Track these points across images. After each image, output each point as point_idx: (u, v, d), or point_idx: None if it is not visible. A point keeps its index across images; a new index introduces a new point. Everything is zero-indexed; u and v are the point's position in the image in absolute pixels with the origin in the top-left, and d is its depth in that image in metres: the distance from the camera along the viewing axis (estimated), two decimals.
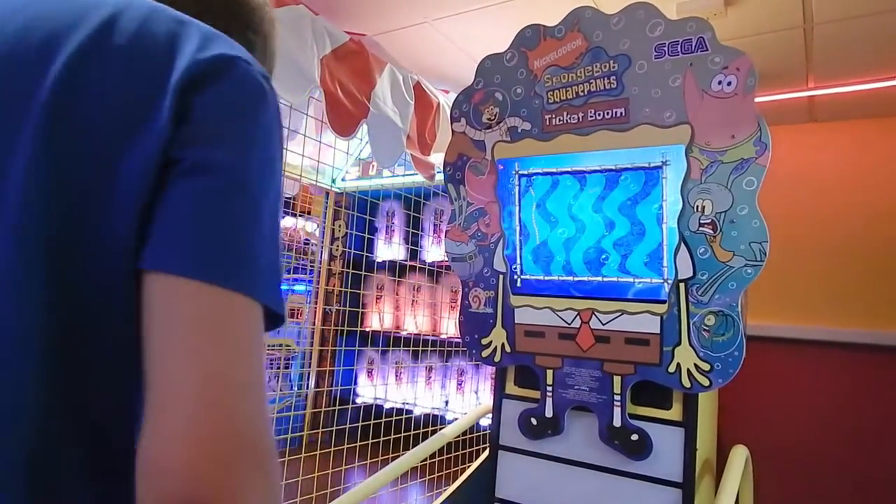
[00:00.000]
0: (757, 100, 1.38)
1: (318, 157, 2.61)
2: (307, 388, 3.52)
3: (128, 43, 0.45)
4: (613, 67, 1.52)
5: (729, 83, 1.38)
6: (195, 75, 0.45)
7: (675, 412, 1.48)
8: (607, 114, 1.54)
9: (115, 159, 0.42)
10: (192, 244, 0.41)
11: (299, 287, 3.98)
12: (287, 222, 4.23)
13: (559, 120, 1.61)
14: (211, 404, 0.38)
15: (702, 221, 1.41)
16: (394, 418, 2.64)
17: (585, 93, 1.57)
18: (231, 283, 0.41)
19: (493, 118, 1.70)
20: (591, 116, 1.56)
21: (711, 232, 1.40)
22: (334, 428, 2.43)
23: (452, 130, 1.79)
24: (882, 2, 1.82)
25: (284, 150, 0.52)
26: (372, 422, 2.46)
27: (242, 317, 0.42)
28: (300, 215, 4.16)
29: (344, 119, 1.84)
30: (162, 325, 0.40)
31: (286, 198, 3.74)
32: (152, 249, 0.41)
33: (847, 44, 2.09)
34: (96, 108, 0.43)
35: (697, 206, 1.42)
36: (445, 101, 2.31)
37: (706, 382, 1.39)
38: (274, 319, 0.47)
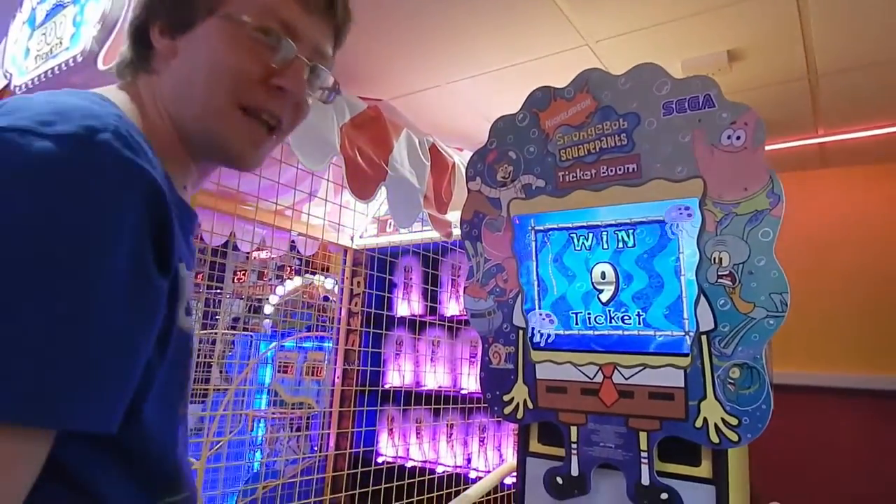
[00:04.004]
0: (768, 147, 1.41)
1: (339, 220, 2.67)
2: (327, 449, 3.48)
3: None
4: (623, 125, 1.57)
5: (738, 137, 1.41)
6: None
7: (704, 469, 1.44)
8: (619, 170, 1.57)
9: None
10: None
11: (319, 344, 3.99)
12: (307, 279, 4.28)
13: (572, 177, 1.64)
14: None
15: (720, 273, 1.42)
16: (416, 479, 2.59)
17: (597, 150, 1.61)
18: None
19: (507, 176, 1.74)
20: (603, 173, 1.59)
21: (730, 283, 1.40)
22: (357, 491, 2.39)
23: (468, 189, 1.83)
24: (884, 52, 1.86)
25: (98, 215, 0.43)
26: (395, 484, 2.42)
27: None
28: (318, 272, 4.21)
29: (363, 184, 1.89)
30: None
31: (306, 258, 3.79)
32: None
33: (853, 92, 2.12)
34: None
35: (714, 258, 1.42)
36: (460, 160, 2.37)
37: (735, 438, 1.36)
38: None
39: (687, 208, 1.48)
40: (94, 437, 0.44)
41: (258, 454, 3.75)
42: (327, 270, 4.22)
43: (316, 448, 3.52)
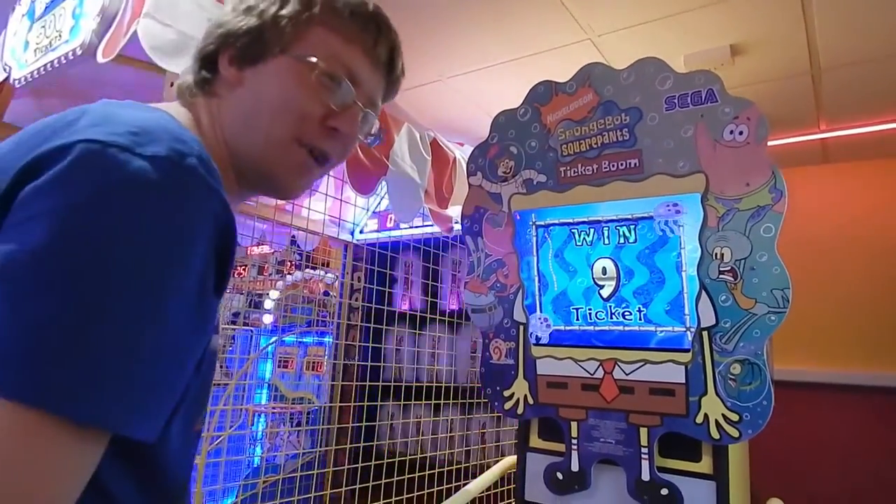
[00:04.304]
0: (770, 143, 1.40)
1: (340, 215, 2.67)
2: (327, 444, 3.48)
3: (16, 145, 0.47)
4: (625, 120, 1.56)
5: (741, 132, 1.40)
6: (35, 163, 0.44)
7: (705, 465, 1.44)
8: (621, 165, 1.57)
9: None
10: None
11: (319, 339, 3.99)
12: (307, 275, 4.28)
13: (574, 172, 1.64)
14: None
15: (721, 269, 1.41)
16: (416, 474, 2.59)
17: (599, 145, 1.60)
18: None
19: (508, 171, 1.74)
20: (605, 168, 1.59)
21: (732, 279, 1.40)
22: (357, 486, 2.40)
23: (469, 184, 1.82)
24: (887, 48, 1.85)
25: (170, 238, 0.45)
26: (395, 479, 2.42)
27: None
28: (319, 267, 4.21)
29: (364, 178, 1.89)
30: None
31: (307, 253, 3.79)
32: None
33: (856, 88, 2.12)
34: None
35: (716, 254, 1.42)
36: (461, 155, 2.37)
37: (735, 433, 1.36)
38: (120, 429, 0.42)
39: (675, 205, 1.48)
40: (124, 443, 0.45)
41: (258, 449, 3.75)
42: (328, 265, 4.21)
43: (316, 443, 3.53)
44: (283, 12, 0.64)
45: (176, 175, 0.45)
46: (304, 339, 4.02)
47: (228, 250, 0.51)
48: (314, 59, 0.63)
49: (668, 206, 1.49)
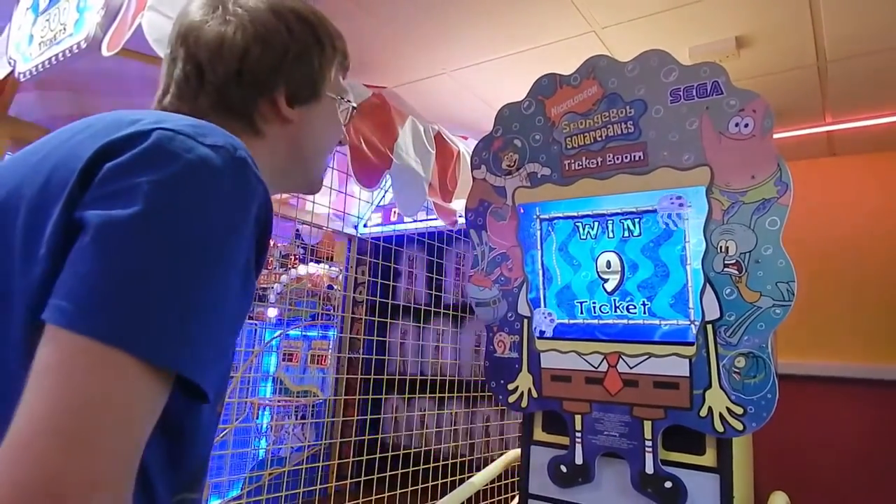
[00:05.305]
0: (776, 135, 1.39)
1: (344, 208, 2.67)
2: (332, 437, 3.49)
3: (92, 130, 0.53)
4: (630, 113, 1.55)
5: (746, 125, 1.40)
6: (110, 146, 0.50)
7: (709, 458, 1.44)
8: (626, 157, 1.56)
9: (41, 229, 0.48)
10: (63, 296, 0.44)
11: (323, 333, 4.00)
12: (311, 268, 4.29)
13: (578, 165, 1.63)
14: (19, 449, 0.39)
15: (726, 262, 1.41)
16: (420, 467, 2.60)
17: (603, 138, 1.59)
18: (86, 331, 0.42)
19: (512, 165, 1.73)
20: (609, 161, 1.58)
21: (737, 272, 1.39)
22: (362, 479, 2.41)
23: (473, 177, 1.82)
24: (894, 38, 1.84)
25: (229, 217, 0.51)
26: (399, 471, 2.43)
27: (92, 364, 0.41)
28: (323, 261, 4.21)
29: (368, 171, 1.89)
30: (32, 368, 0.42)
31: (311, 246, 3.80)
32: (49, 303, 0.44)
33: (862, 80, 2.10)
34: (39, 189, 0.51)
35: (721, 247, 1.42)
36: (465, 148, 2.36)
37: (739, 426, 1.36)
38: (186, 384, 0.46)
39: (679, 198, 1.47)
40: (167, 411, 0.48)
41: (263, 441, 3.77)
42: (332, 259, 4.22)
43: (321, 436, 3.55)
44: (320, 58, 0.74)
45: (233, 163, 0.52)
46: (309, 333, 4.03)
47: (266, 237, 0.56)
48: (355, 105, 0.78)
49: (671, 199, 1.48)
